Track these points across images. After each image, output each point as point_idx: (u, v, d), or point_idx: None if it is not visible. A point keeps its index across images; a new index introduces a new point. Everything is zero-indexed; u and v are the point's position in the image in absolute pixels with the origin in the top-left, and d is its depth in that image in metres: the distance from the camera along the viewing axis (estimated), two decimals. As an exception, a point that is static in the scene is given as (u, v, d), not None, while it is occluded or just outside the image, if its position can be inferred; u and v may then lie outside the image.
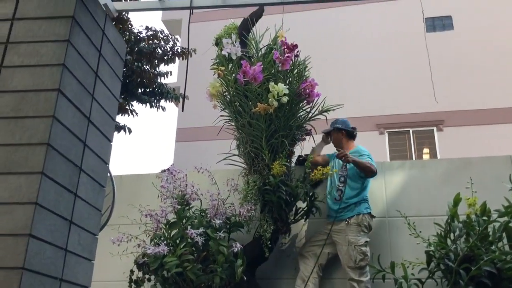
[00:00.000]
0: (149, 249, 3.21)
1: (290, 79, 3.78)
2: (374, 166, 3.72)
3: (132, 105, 7.57)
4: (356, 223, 3.62)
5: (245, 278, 3.26)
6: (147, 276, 3.43)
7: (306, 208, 3.68)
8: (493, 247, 3.05)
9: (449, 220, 3.23)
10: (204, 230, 3.25)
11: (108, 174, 2.17)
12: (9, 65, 1.60)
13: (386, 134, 10.91)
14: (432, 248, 3.24)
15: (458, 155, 8.57)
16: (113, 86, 1.94)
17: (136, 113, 7.59)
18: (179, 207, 3.41)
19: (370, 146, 4.11)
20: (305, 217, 3.74)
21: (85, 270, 1.73)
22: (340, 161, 3.90)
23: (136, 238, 3.44)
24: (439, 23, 11.67)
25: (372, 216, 3.75)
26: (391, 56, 11.32)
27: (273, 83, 3.58)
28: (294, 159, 4.06)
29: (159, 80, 7.58)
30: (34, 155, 1.48)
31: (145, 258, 3.33)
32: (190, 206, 3.54)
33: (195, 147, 10.88)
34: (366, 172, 3.70)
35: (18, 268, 1.36)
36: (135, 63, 7.16)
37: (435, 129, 10.70)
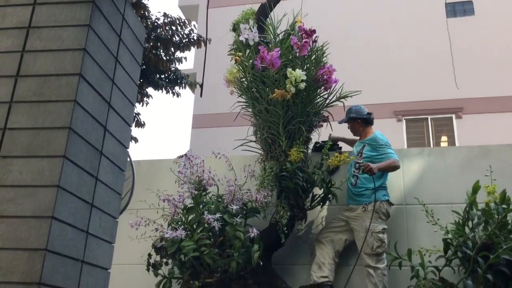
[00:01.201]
0: (166, 233, 3.25)
1: (308, 65, 3.76)
2: (396, 159, 3.70)
3: (148, 95, 7.63)
4: (373, 210, 3.61)
5: (261, 263, 3.29)
6: (164, 260, 3.49)
7: (323, 194, 3.68)
8: (512, 236, 3.02)
9: (467, 208, 3.21)
10: (221, 215, 3.28)
11: (128, 159, 2.19)
12: (31, 50, 1.61)
13: (404, 121, 10.80)
14: (449, 236, 3.22)
15: (476, 143, 8.46)
16: (133, 71, 1.95)
17: (147, 103, 7.65)
18: (196, 192, 3.44)
19: (387, 133, 4.07)
20: (321, 203, 3.75)
21: (106, 253, 1.76)
22: (357, 146, 3.88)
23: (154, 222, 3.48)
24: (460, 8, 11.44)
25: (391, 204, 3.73)
26: (410, 41, 11.15)
27: (290, 69, 3.56)
28: (311, 146, 4.05)
29: (174, 66, 7.60)
30: (57, 139, 1.50)
31: (163, 242, 3.37)
32: (207, 191, 3.58)
33: (211, 133, 10.91)
34: (392, 169, 3.72)
35: (41, 250, 1.38)
36: (152, 51, 7.18)
37: (453, 116, 10.56)
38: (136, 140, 7.61)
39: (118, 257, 3.65)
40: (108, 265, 1.79)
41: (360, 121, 3.95)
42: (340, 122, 4.03)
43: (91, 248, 1.64)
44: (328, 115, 3.93)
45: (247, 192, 3.58)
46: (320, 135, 3.97)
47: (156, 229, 3.45)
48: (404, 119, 10.81)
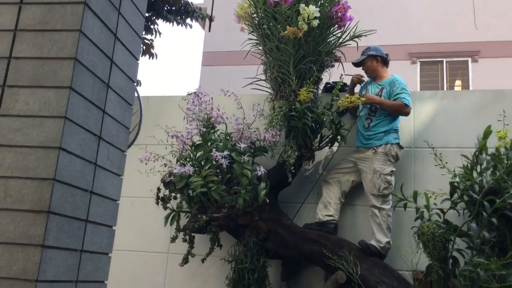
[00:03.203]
0: (175, 169, 3.29)
1: (322, 1, 3.63)
2: (407, 104, 3.63)
3: (157, 24, 7.44)
4: (383, 152, 3.61)
5: (267, 200, 3.34)
6: (173, 194, 3.56)
7: (331, 136, 3.68)
8: (520, 181, 3.01)
9: (477, 153, 3.18)
10: (228, 153, 3.30)
11: (135, 94, 2.17)
12: (34, -24, 1.56)
13: (418, 63, 10.57)
14: (457, 179, 3.22)
15: (491, 88, 8.30)
16: (139, 2, 1.89)
17: (160, 33, 7.48)
18: (204, 129, 3.45)
19: (401, 75, 3.98)
20: (329, 144, 3.76)
21: (114, 185, 1.79)
22: (373, 88, 3.82)
23: (162, 158, 3.52)
24: None
25: (401, 147, 3.72)
26: (429, -20, 10.68)
27: (303, 5, 3.44)
28: (321, 86, 4.01)
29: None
30: (62, 69, 1.48)
31: (172, 177, 3.43)
32: (215, 129, 3.59)
33: (221, 71, 10.80)
34: (396, 112, 3.68)
35: (50, 179, 1.40)
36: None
37: (469, 60, 10.30)
38: (138, 83, 7.48)
39: (128, 189, 3.73)
40: (117, 197, 1.82)
41: (379, 59, 3.86)
42: (354, 62, 3.92)
43: (99, 180, 1.67)
44: (341, 55, 3.85)
45: (255, 131, 3.59)
46: (331, 75, 3.91)
47: (165, 165, 3.49)
48: (419, 61, 10.58)
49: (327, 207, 3.72)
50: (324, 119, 3.56)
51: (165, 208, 3.50)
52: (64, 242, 1.46)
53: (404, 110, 3.65)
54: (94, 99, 1.61)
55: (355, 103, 3.52)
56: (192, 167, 3.29)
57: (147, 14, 6.89)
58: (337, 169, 3.82)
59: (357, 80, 3.91)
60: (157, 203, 3.57)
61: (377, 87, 3.83)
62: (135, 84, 1.95)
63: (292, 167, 3.55)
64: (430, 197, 3.24)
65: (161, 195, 3.57)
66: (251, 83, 3.87)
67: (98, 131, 1.64)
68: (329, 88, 4.02)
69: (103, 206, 1.69)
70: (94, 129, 1.62)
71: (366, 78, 3.98)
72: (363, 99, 3.62)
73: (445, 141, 3.84)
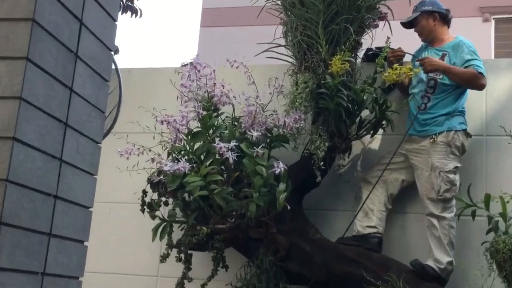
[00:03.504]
0: (166, 165, 3.31)
1: None
2: (482, 74, 3.59)
3: None
4: (444, 142, 3.60)
5: (288, 207, 3.34)
6: (163, 199, 3.58)
7: (374, 119, 3.67)
8: None
9: None
10: (237, 144, 3.30)
11: (113, 65, 2.19)
12: None
13: (493, 21, 10.45)
14: (544, 178, 3.20)
15: None
16: None
17: None
18: (204, 112, 3.45)
19: (470, 37, 3.94)
20: (372, 131, 3.75)
21: (86, 187, 1.81)
22: (431, 56, 3.78)
23: (149, 150, 3.53)
24: None
25: (468, 135, 3.70)
26: None
27: None
28: (361, 54, 3.99)
29: None
30: (16, 35, 1.49)
31: (161, 176, 3.45)
32: (219, 112, 3.59)
33: (226, 34, 10.80)
34: (466, 85, 3.65)
35: (1, 180, 1.42)
36: None
37: (563, 16, 10.17)
38: (116, 51, 7.50)
39: (104, 193, 3.77)
40: (90, 203, 1.85)
41: (437, 16, 3.84)
42: (404, 22, 3.89)
43: (66, 180, 1.69)
44: (387, 11, 3.82)
45: (272, 114, 3.58)
46: (374, 38, 3.87)
47: (152, 160, 3.51)
48: (493, 18, 10.46)
49: (368, 215, 3.72)
50: (365, 97, 3.54)
51: (153, 217, 3.51)
52: (21, 263, 1.48)
53: (478, 81, 3.61)
54: (58, 73, 1.62)
55: (406, 76, 3.49)
56: (188, 163, 3.30)
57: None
58: (381, 165, 3.80)
59: (393, 57, 3.79)
60: (143, 210, 3.59)
61: (436, 53, 3.80)
62: (113, 52, 1.96)
63: (322, 162, 3.55)
64: (508, 202, 3.22)
65: (147, 200, 3.59)
66: (266, 50, 3.85)
67: (64, 116, 1.66)
68: (371, 56, 3.99)
69: (71, 215, 1.71)
70: (58, 114, 1.63)
71: (411, 50, 3.95)
72: (417, 69, 3.59)
73: (528, 126, 3.81)
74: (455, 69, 3.64)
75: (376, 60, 3.66)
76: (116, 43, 2.01)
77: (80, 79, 1.74)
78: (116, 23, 1.92)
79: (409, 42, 4.05)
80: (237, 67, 3.61)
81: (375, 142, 4.04)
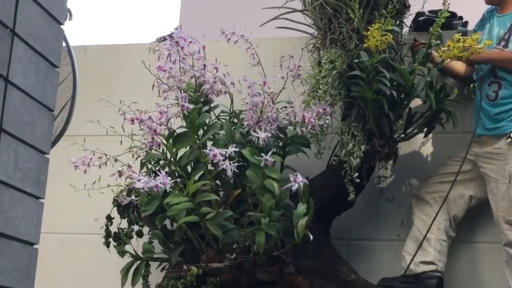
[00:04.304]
0: (139, 180, 3.29)
1: None
2: None
3: None
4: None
5: (311, 237, 3.32)
6: (135, 228, 3.60)
7: (429, 112, 3.67)
8: None
9: None
10: (237, 149, 3.31)
11: (64, 44, 2.19)
12: None
13: None
14: None
15: None
16: None
17: None
18: (191, 106, 3.44)
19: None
20: (425, 129, 3.75)
21: (30, 216, 1.81)
22: (498, 26, 3.78)
23: (115, 160, 3.55)
24: None
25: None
26: None
27: None
28: (409, 21, 4.00)
29: None
30: None
31: (132, 197, 3.45)
32: (212, 105, 3.60)
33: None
34: None
35: None
36: None
37: None
38: (69, 16, 7.48)
39: (54, 221, 3.76)
40: (34, 237, 1.84)
41: None
42: None
43: (1, 208, 1.68)
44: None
45: (285, 107, 3.58)
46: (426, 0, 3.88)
47: (120, 173, 3.51)
48: None
49: (423, 247, 3.71)
50: (415, 82, 3.53)
51: (122, 253, 3.53)
52: None
53: None
54: (-13, 58, 1.62)
55: (473, 51, 3.47)
56: (170, 177, 3.30)
57: None
58: (439, 176, 3.82)
59: (416, 47, 3.87)
60: (107, 244, 3.60)
61: (505, 22, 3.81)
62: (63, 25, 1.96)
63: (356, 174, 3.55)
64: None
65: (113, 229, 3.60)
66: (276, 18, 3.87)
67: (-5, 117, 1.67)
68: (423, 23, 4.01)
69: (8, 256, 1.70)
70: (-12, 114, 1.64)
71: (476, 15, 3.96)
72: (487, 41, 3.59)
73: None
74: (503, 54, 3.65)
75: (430, 29, 3.65)
76: (68, 5, 1.99)
77: (19, 65, 1.74)
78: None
79: (475, 2, 4.05)
80: (235, 42, 3.61)
81: (429, 143, 4.05)
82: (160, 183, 3.24)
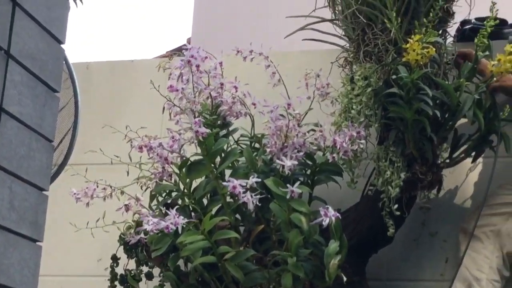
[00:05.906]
0: (148, 216, 3.28)
1: None
2: None
3: None
4: None
5: (345, 278, 3.33)
6: (144, 269, 3.61)
7: (478, 134, 3.65)
8: None
9: None
10: (259, 179, 3.30)
11: (64, 63, 2.18)
12: None
13: None
14: None
15: None
16: None
17: None
18: (207, 130, 3.43)
19: None
20: (474, 153, 3.73)
21: (26, 262, 1.82)
22: None
23: (121, 192, 3.54)
24: None
25: None
26: None
27: None
28: (453, 30, 3.98)
29: None
30: None
31: (141, 235, 3.44)
32: (230, 128, 3.60)
33: (233, 4, 10.87)
34: None
35: None
36: None
37: None
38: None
39: (54, 262, 3.76)
40: (31, 286, 1.85)
41: None
42: None
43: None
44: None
45: (313, 131, 3.58)
46: (474, 5, 3.85)
47: (127, 207, 3.50)
48: None
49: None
50: (461, 100, 3.51)
51: (129, 297, 3.53)
52: None
53: None
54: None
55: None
56: (183, 213, 3.28)
57: None
58: (490, 207, 3.79)
59: (462, 56, 3.81)
60: (113, 287, 3.61)
61: None
62: (63, 45, 1.96)
63: (396, 205, 3.52)
64: None
65: (120, 271, 3.62)
66: (302, 29, 3.88)
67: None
68: (470, 33, 3.99)
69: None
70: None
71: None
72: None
73: None
74: None
75: (476, 38, 3.63)
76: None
77: (15, 91, 1.75)
78: (68, 4, 1.93)
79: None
80: (252, 59, 3.62)
81: (478, 169, 4.02)
82: (171, 223, 3.22)
